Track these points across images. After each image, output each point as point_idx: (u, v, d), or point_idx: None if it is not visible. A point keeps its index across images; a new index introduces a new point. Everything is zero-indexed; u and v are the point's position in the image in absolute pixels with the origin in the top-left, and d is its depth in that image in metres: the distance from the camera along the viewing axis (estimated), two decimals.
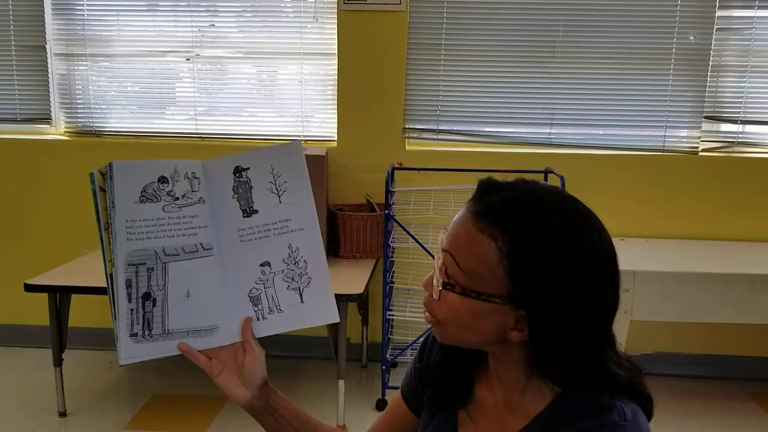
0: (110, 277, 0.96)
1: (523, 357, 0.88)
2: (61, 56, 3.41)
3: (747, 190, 3.26)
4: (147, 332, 0.97)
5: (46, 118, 3.46)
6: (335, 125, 3.35)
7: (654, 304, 2.75)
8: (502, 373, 0.92)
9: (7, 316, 3.57)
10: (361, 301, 3.12)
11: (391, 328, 3.20)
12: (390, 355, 3.07)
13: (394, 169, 3.06)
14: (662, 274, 2.77)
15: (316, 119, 3.42)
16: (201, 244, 1.00)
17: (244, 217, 1.03)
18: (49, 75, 3.42)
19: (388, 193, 2.90)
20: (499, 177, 0.90)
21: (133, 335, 0.97)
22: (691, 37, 3.20)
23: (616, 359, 0.87)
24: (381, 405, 2.93)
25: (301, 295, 1.03)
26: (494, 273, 0.83)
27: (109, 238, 0.96)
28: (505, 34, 3.23)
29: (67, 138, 3.49)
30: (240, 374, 1.00)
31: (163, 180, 0.98)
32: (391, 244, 3.01)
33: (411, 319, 3.01)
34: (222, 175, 1.03)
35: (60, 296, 2.73)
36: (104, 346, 3.50)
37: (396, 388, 2.91)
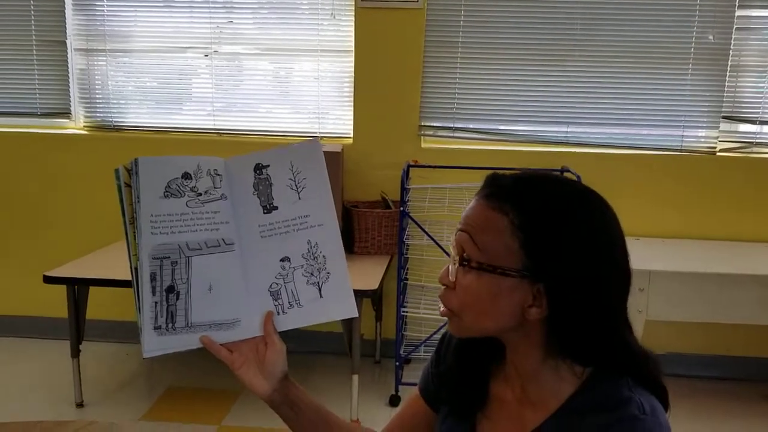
0: (135, 270, 0.98)
1: (541, 339, 0.88)
2: (81, 51, 3.45)
3: (765, 190, 3.24)
4: (170, 325, 0.99)
5: (65, 113, 3.50)
6: (351, 122, 3.36)
7: (669, 304, 2.75)
8: (520, 362, 0.93)
9: (26, 308, 3.62)
10: (375, 297, 3.14)
11: (405, 324, 3.22)
12: (403, 352, 3.08)
13: (409, 166, 3.07)
14: (678, 274, 2.76)
15: (332, 116, 3.43)
16: (223, 239, 1.01)
17: (264, 213, 1.04)
18: (69, 70, 3.46)
19: (404, 190, 2.91)
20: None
21: (157, 328, 0.98)
22: (711, 36, 3.18)
23: (633, 340, 0.88)
24: (394, 401, 2.94)
25: (320, 290, 1.04)
26: (509, 247, 0.85)
27: (134, 232, 0.98)
28: (523, 32, 3.23)
29: (86, 132, 3.53)
30: (261, 367, 1.01)
31: (186, 176, 1.00)
32: (406, 241, 3.02)
33: (425, 315, 3.02)
34: (243, 173, 1.04)
35: (78, 288, 2.77)
36: (121, 338, 3.55)
37: (409, 384, 2.95)
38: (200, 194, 1.00)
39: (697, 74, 3.21)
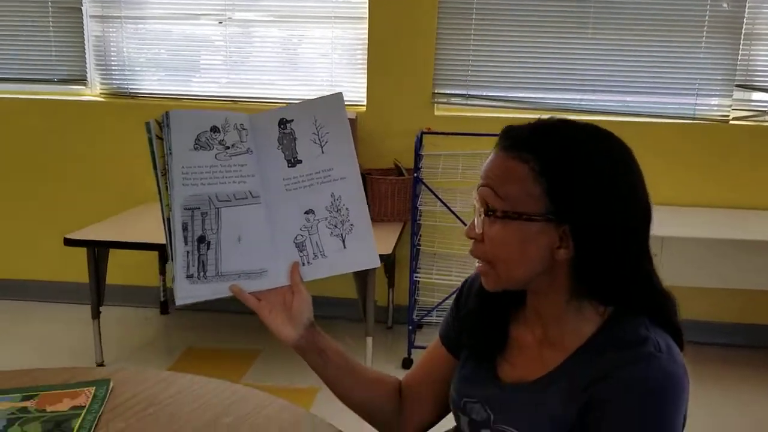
0: (167, 221, 1.02)
1: (567, 281, 0.91)
2: (97, 18, 3.47)
3: None
4: (202, 274, 1.03)
5: (82, 80, 3.53)
6: (365, 90, 3.38)
7: (682, 269, 2.78)
8: (544, 306, 0.96)
9: (46, 272, 3.69)
10: (389, 263, 3.18)
11: (418, 290, 3.27)
12: (416, 317, 3.14)
13: (423, 133, 3.09)
14: (691, 240, 2.79)
15: (346, 83, 3.45)
16: (250, 191, 1.05)
17: (288, 167, 1.08)
18: (85, 37, 3.48)
19: (418, 156, 2.94)
20: None
21: (189, 276, 1.02)
22: (725, 5, 3.17)
23: (656, 275, 0.92)
24: (407, 364, 3.00)
25: (343, 241, 1.08)
26: (531, 193, 0.88)
27: (166, 183, 1.02)
28: (537, 0, 3.22)
29: (102, 99, 3.57)
30: (288, 315, 1.05)
31: (214, 129, 1.03)
32: (419, 207, 3.05)
33: (437, 281, 3.07)
34: (268, 127, 1.07)
35: (98, 251, 2.82)
36: (139, 303, 3.63)
37: (422, 347, 3.00)
38: (228, 147, 1.04)
39: (711, 42, 3.20)
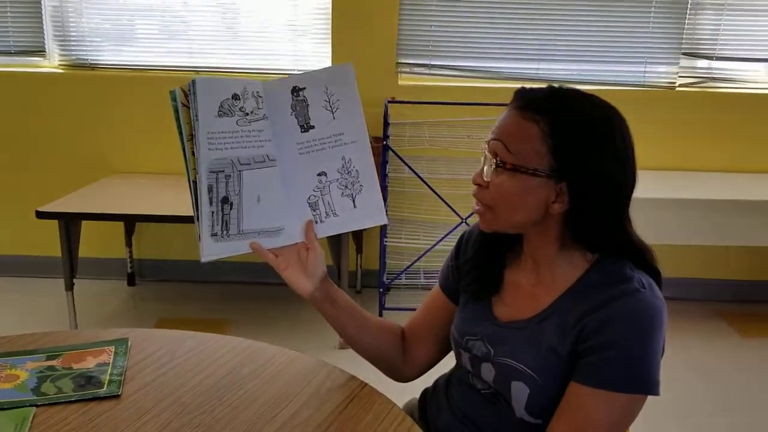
0: (193, 183, 1.09)
1: (559, 230, 1.04)
2: None
3: (720, 123, 3.46)
4: (225, 232, 1.10)
5: (40, 51, 3.47)
6: (329, 59, 3.43)
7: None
8: (537, 252, 1.08)
9: (15, 247, 3.64)
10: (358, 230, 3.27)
11: (386, 254, 3.38)
12: (386, 279, 3.25)
13: (388, 102, 3.17)
14: (637, 200, 2.95)
15: (310, 53, 3.48)
16: (267, 155, 1.13)
17: (302, 132, 1.16)
18: (42, 6, 3.41)
19: (386, 125, 3.02)
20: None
21: (214, 235, 1.10)
22: None
23: (633, 231, 1.06)
24: None
25: (354, 201, 1.17)
26: (538, 151, 1.00)
27: (192, 148, 1.08)
28: None
29: (61, 71, 3.51)
30: (304, 269, 1.14)
31: (235, 97, 1.10)
32: (390, 174, 3.15)
33: (405, 245, 3.18)
34: (281, 95, 1.15)
35: (70, 223, 2.82)
36: (106, 275, 3.63)
37: (392, 309, 3.13)
38: (247, 114, 1.11)
39: (659, 12, 3.37)
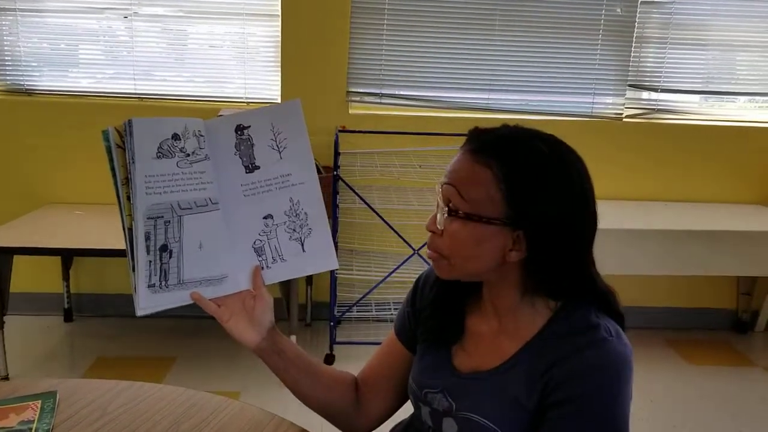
0: (129, 230, 1.01)
1: (518, 278, 0.99)
2: None
3: (664, 153, 3.53)
4: (164, 283, 1.02)
5: None
6: (279, 88, 3.37)
7: None
8: (498, 299, 1.03)
9: None
10: None
11: (337, 286, 3.30)
12: (337, 312, 3.17)
13: (339, 131, 3.12)
14: None
15: (260, 81, 3.42)
16: (210, 198, 1.05)
17: (246, 172, 1.09)
18: None
19: (337, 154, 2.97)
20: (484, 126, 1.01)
21: (151, 286, 1.01)
22: (618, 10, 3.40)
23: (598, 275, 1.01)
24: (330, 359, 3.03)
25: (302, 245, 1.11)
26: (492, 198, 0.94)
27: (127, 192, 1.00)
28: (446, 2, 3.33)
29: None
30: (250, 319, 1.07)
31: (176, 137, 1.03)
32: (340, 205, 3.09)
33: (357, 277, 3.12)
34: (224, 133, 1.08)
35: (1, 258, 2.66)
36: (41, 311, 3.45)
37: (343, 343, 3.04)
38: (188, 155, 1.04)
39: (606, 45, 3.43)
